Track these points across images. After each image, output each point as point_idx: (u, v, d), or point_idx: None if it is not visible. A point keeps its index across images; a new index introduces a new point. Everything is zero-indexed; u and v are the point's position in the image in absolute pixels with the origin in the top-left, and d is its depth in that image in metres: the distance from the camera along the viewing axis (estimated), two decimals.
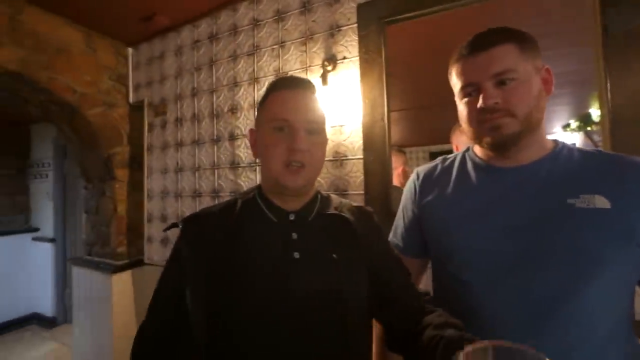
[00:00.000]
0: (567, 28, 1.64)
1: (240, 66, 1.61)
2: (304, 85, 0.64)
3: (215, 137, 1.69)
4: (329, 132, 1.27)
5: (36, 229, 3.50)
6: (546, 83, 0.63)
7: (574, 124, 3.85)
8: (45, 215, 3.46)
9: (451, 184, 0.73)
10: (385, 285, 0.66)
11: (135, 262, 1.98)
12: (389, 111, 1.25)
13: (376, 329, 0.76)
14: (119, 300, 1.88)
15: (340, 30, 1.34)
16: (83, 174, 2.14)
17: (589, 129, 3.73)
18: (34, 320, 3.40)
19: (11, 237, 3.35)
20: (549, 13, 1.51)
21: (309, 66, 1.41)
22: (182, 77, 1.83)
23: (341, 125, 1.34)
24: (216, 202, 1.60)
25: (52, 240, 3.36)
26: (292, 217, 0.64)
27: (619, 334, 0.57)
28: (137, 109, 2.05)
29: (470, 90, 0.64)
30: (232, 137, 1.63)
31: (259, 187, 0.70)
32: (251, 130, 0.69)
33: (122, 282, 1.93)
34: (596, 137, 3.74)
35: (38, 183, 3.55)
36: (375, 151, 1.25)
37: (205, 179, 1.72)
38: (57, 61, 1.69)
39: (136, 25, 1.82)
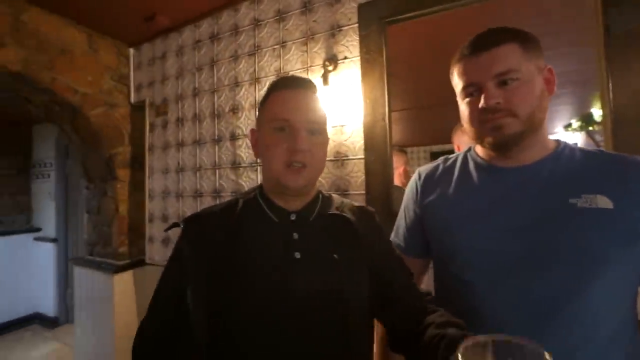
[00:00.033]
0: (569, 28, 1.63)
1: (241, 66, 1.61)
2: (304, 85, 0.64)
3: (216, 137, 1.69)
4: (330, 132, 1.27)
5: (38, 229, 3.51)
6: (548, 83, 0.63)
7: (575, 123, 3.84)
8: (47, 215, 3.47)
9: (453, 184, 0.72)
10: (387, 285, 0.66)
11: (137, 262, 1.98)
12: (390, 111, 1.25)
13: (378, 329, 0.76)
14: (120, 300, 1.89)
15: (341, 30, 1.34)
16: (85, 174, 2.14)
17: (590, 128, 3.72)
18: (35, 320, 3.41)
19: (13, 237, 3.36)
20: (550, 13, 1.51)
21: (310, 66, 1.41)
22: (183, 77, 1.84)
23: (342, 125, 1.34)
24: (217, 202, 1.60)
25: (54, 240, 3.37)
26: (293, 217, 0.64)
27: (622, 334, 0.57)
28: (138, 109, 2.05)
29: (472, 90, 0.64)
30: (233, 137, 1.63)
31: (260, 187, 0.70)
32: (252, 131, 0.69)
33: (124, 282, 1.93)
34: (598, 137, 3.73)
35: (40, 183, 3.57)
36: (377, 151, 1.25)
37: (206, 179, 1.72)
38: (59, 61, 1.70)
39: (138, 26, 1.82)
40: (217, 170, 1.68)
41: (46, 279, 3.38)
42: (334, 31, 1.35)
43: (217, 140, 1.69)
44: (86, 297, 2.03)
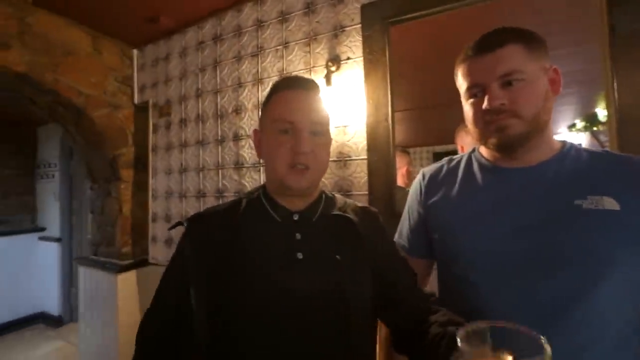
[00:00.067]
0: (573, 27, 1.62)
1: (244, 67, 1.62)
2: (307, 85, 0.64)
3: (219, 138, 1.70)
4: (333, 132, 1.27)
5: (43, 229, 3.54)
6: (554, 83, 0.62)
7: (579, 124, 3.81)
8: (52, 215, 3.50)
9: (457, 185, 0.72)
10: (391, 286, 0.65)
11: (140, 262, 1.99)
12: (393, 111, 1.25)
13: (382, 330, 0.76)
14: (124, 300, 1.90)
15: (344, 30, 1.34)
16: (89, 174, 2.16)
17: (595, 129, 3.69)
18: (40, 319, 3.44)
19: (18, 237, 3.39)
20: (554, 12, 1.50)
21: (313, 67, 1.41)
22: (186, 78, 1.84)
23: (345, 126, 1.34)
24: (220, 202, 1.60)
25: (58, 240, 3.40)
26: (296, 218, 0.64)
27: (630, 336, 0.56)
28: (142, 110, 2.07)
29: (476, 91, 0.63)
30: (236, 138, 1.64)
31: (263, 187, 0.70)
32: (255, 131, 0.70)
33: (127, 281, 1.94)
34: (602, 137, 3.70)
35: (45, 183, 3.59)
36: (379, 152, 1.25)
37: (209, 179, 1.73)
38: (63, 63, 1.72)
39: (141, 27, 1.83)
40: (220, 171, 1.69)
41: (50, 278, 3.40)
42: (337, 32, 1.35)
43: (220, 141, 1.69)
44: (90, 297, 2.05)
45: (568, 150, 0.64)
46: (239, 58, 1.64)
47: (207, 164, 1.74)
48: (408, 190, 0.87)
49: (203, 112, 1.77)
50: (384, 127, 1.24)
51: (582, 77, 2.32)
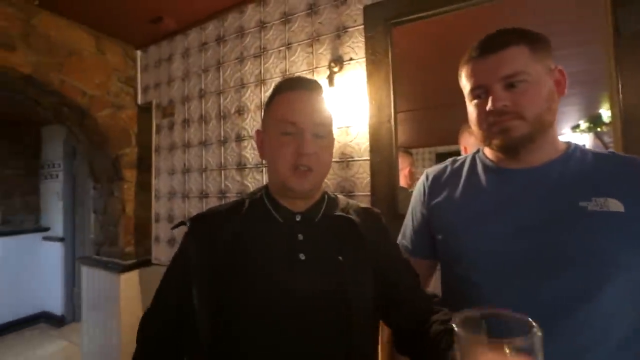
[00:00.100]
0: (577, 28, 1.62)
1: (247, 68, 1.62)
2: (310, 86, 0.64)
3: (222, 138, 1.70)
4: (336, 133, 1.27)
5: (46, 229, 3.56)
6: (559, 84, 0.62)
7: (583, 124, 3.79)
8: (55, 215, 3.52)
9: (460, 186, 0.72)
10: (393, 286, 0.65)
11: (143, 262, 2.00)
12: (395, 112, 1.25)
13: (384, 331, 0.75)
14: (126, 300, 1.91)
15: (346, 31, 1.34)
16: (92, 174, 2.17)
17: (599, 130, 3.67)
18: (43, 319, 3.46)
19: (22, 237, 3.41)
20: (557, 12, 1.49)
21: (316, 67, 1.41)
22: (189, 79, 1.85)
23: (348, 127, 1.34)
24: (223, 202, 1.61)
25: (61, 239, 3.42)
26: (298, 218, 0.64)
27: (634, 338, 0.56)
28: (145, 110, 2.08)
29: (480, 92, 0.63)
30: (239, 138, 1.64)
31: (266, 188, 0.70)
32: (258, 132, 0.70)
33: (130, 281, 1.95)
34: (606, 138, 3.67)
35: (48, 183, 3.62)
36: (382, 152, 1.25)
37: (212, 180, 1.73)
38: (67, 64, 1.73)
39: (144, 28, 1.84)
40: (222, 171, 1.69)
41: (53, 278, 3.42)
42: (340, 33, 1.36)
43: (223, 142, 1.70)
44: (93, 296, 2.06)
45: (573, 151, 0.64)
46: (241, 59, 1.64)
47: (210, 165, 1.74)
48: (410, 191, 0.87)
49: (206, 112, 1.77)
50: (386, 128, 1.24)
51: (586, 78, 2.31)
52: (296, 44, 1.47)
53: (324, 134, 0.63)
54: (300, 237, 0.62)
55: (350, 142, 1.33)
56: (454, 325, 0.35)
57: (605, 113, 3.33)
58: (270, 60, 1.54)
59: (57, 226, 3.48)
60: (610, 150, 0.71)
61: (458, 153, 1.27)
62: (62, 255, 3.40)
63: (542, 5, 1.44)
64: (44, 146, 3.71)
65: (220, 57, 1.72)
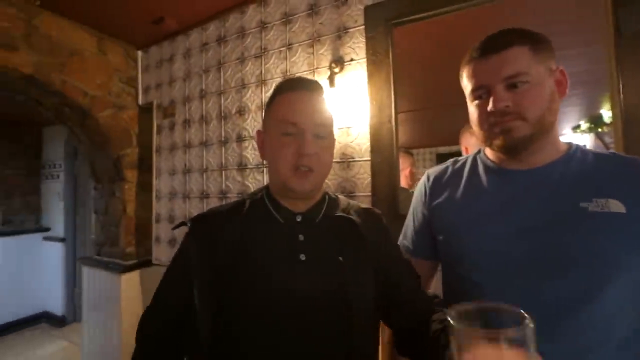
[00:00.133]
0: (578, 28, 1.62)
1: (247, 68, 1.62)
2: (311, 86, 0.64)
3: (222, 139, 1.71)
4: (336, 133, 1.26)
5: (47, 229, 3.57)
6: (560, 85, 0.62)
7: (584, 125, 3.79)
8: (56, 215, 3.53)
9: (461, 187, 0.72)
10: (394, 287, 0.65)
11: (144, 262, 2.00)
12: (396, 113, 1.25)
13: (384, 333, 0.75)
14: (127, 300, 1.91)
15: (347, 32, 1.34)
16: (93, 174, 2.17)
17: (600, 130, 3.67)
18: (43, 319, 3.46)
19: (23, 237, 3.42)
20: (558, 12, 1.49)
21: (316, 68, 1.41)
22: (190, 79, 1.85)
23: (348, 127, 1.34)
24: (224, 203, 1.61)
25: (62, 239, 3.42)
26: (299, 219, 0.64)
27: (634, 338, 0.56)
28: (146, 111, 2.08)
29: (481, 92, 0.63)
30: (240, 139, 1.64)
31: (266, 188, 0.70)
32: (258, 132, 0.70)
33: (131, 282, 1.95)
34: (607, 139, 3.67)
35: (49, 183, 3.62)
36: (383, 153, 1.25)
37: (212, 180, 1.74)
38: (69, 64, 1.73)
39: (146, 29, 1.85)
40: (223, 172, 1.69)
41: (54, 278, 3.43)
42: (340, 33, 1.36)
43: (224, 142, 1.70)
44: (94, 297, 2.06)
45: (574, 152, 0.64)
46: (242, 59, 1.64)
47: (211, 165, 1.75)
48: (411, 192, 0.86)
49: (207, 113, 1.78)
50: (387, 129, 1.24)
51: (587, 78, 2.31)
52: (297, 44, 1.47)
53: (325, 135, 0.63)
54: (301, 237, 0.62)
55: (351, 142, 1.33)
56: (449, 318, 0.36)
57: (606, 113, 3.33)
58: (271, 61, 1.55)
59: (58, 226, 3.49)
60: (611, 150, 0.71)
61: (459, 153, 1.27)
62: (63, 255, 3.40)
63: (542, 5, 1.44)
64: (45, 146, 3.72)
65: (221, 58, 1.72)
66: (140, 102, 2.10)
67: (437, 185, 0.77)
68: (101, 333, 1.99)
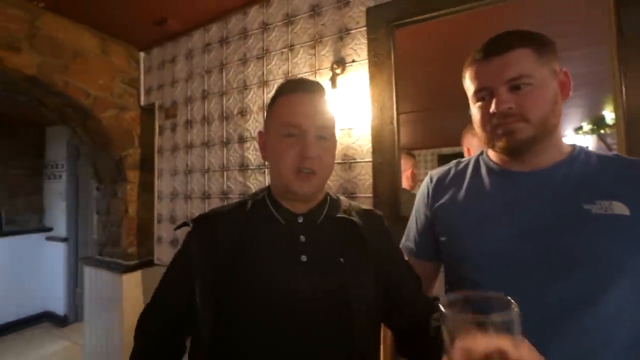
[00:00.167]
0: (580, 29, 1.61)
1: (250, 69, 1.63)
2: (312, 88, 0.64)
3: (224, 140, 1.71)
4: (338, 134, 1.26)
5: (50, 229, 3.58)
6: (564, 87, 0.62)
7: (586, 126, 3.78)
8: (59, 215, 3.54)
9: (464, 189, 0.72)
10: (396, 289, 0.65)
11: (145, 262, 2.01)
12: (398, 114, 1.25)
13: (387, 335, 0.75)
14: (129, 300, 1.91)
15: (349, 33, 1.34)
16: (95, 175, 2.18)
17: (602, 131, 3.66)
18: (45, 319, 3.47)
19: (26, 237, 3.43)
20: (560, 13, 1.49)
21: (318, 69, 1.41)
22: (192, 80, 1.86)
23: (350, 128, 1.34)
24: (225, 203, 1.61)
25: (64, 239, 3.43)
26: (300, 220, 0.64)
27: (638, 339, 0.55)
28: (148, 111, 2.09)
29: (484, 94, 0.63)
30: (242, 140, 1.65)
31: (268, 189, 0.70)
32: (260, 133, 0.70)
33: (132, 282, 1.95)
34: (610, 140, 3.66)
35: (52, 183, 3.64)
36: (384, 154, 1.25)
37: (214, 181, 1.74)
38: (72, 65, 1.74)
39: (148, 30, 1.85)
40: (225, 172, 1.70)
41: (56, 277, 3.43)
42: (342, 34, 1.36)
43: (226, 143, 1.70)
44: (95, 297, 2.06)
45: (578, 154, 0.64)
46: (244, 60, 1.65)
47: (212, 166, 1.75)
48: (413, 193, 0.86)
49: (208, 114, 1.78)
50: (389, 130, 1.24)
51: (590, 79, 2.30)
52: (299, 45, 1.47)
53: (327, 136, 0.63)
54: (302, 238, 0.62)
55: (353, 143, 1.33)
56: (440, 307, 0.37)
57: (609, 115, 3.32)
58: (273, 62, 1.55)
59: (60, 226, 3.50)
60: (615, 152, 0.71)
61: (461, 155, 1.27)
62: (65, 255, 3.41)
63: (544, 6, 1.43)
64: (47, 146, 3.74)
65: (223, 59, 1.73)
66: (142, 103, 2.11)
67: (439, 187, 0.77)
68: (103, 333, 2.00)
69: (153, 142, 2.04)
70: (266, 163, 1.55)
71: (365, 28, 1.30)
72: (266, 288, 0.57)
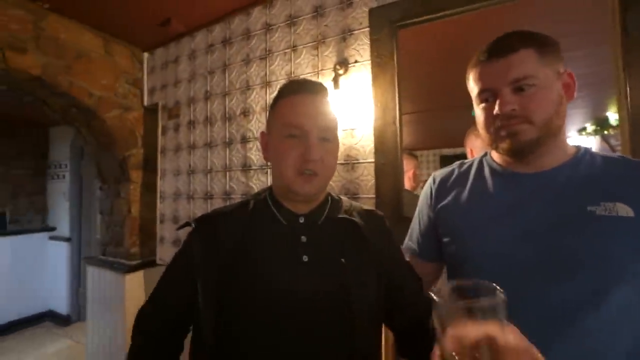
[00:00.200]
0: (584, 29, 1.61)
1: (252, 70, 1.63)
2: (315, 89, 0.63)
3: (227, 140, 1.71)
4: (341, 135, 1.27)
5: (53, 229, 3.60)
6: (568, 88, 0.62)
7: (590, 127, 3.76)
8: (62, 215, 3.56)
9: (467, 190, 0.72)
10: (397, 290, 0.65)
11: (148, 262, 2.01)
12: (400, 115, 1.25)
13: (388, 336, 0.75)
14: (131, 300, 1.92)
15: (352, 34, 1.34)
16: (99, 175, 2.19)
17: (606, 132, 3.64)
18: (48, 318, 3.49)
19: (29, 236, 3.45)
20: (564, 13, 1.48)
21: (321, 70, 1.42)
22: (195, 81, 1.87)
23: (352, 129, 1.34)
24: (227, 204, 1.61)
25: (67, 239, 3.45)
26: (302, 220, 0.64)
27: None
28: (151, 112, 2.10)
29: (488, 95, 0.63)
30: (244, 140, 1.65)
31: (270, 189, 0.70)
32: (262, 133, 0.70)
33: (135, 282, 1.96)
34: (613, 141, 3.64)
35: (55, 183, 3.66)
36: (387, 155, 1.25)
37: (217, 181, 1.74)
38: (76, 66, 1.75)
39: (152, 31, 1.86)
40: (227, 173, 1.70)
41: (59, 277, 3.45)
42: (345, 35, 1.36)
43: (228, 143, 1.71)
44: (98, 296, 2.07)
45: (582, 155, 0.63)
46: (247, 61, 1.65)
47: (215, 166, 1.75)
48: (415, 194, 0.86)
49: (211, 114, 1.79)
50: (391, 131, 1.24)
51: (593, 80, 2.29)
52: (301, 46, 1.47)
53: (330, 138, 0.62)
54: (304, 239, 0.62)
55: (355, 144, 1.33)
56: (433, 295, 0.39)
57: (613, 116, 3.30)
58: (276, 63, 1.55)
59: (64, 226, 3.52)
60: (620, 154, 0.70)
61: (463, 156, 1.26)
62: (68, 255, 3.43)
63: (550, 6, 1.43)
64: (51, 147, 3.76)
65: (226, 59, 1.73)
66: (145, 103, 2.12)
67: (442, 188, 0.76)
68: (105, 332, 2.00)
69: (156, 142, 2.05)
70: (268, 163, 1.55)
71: (368, 29, 1.30)
72: (267, 288, 0.57)
